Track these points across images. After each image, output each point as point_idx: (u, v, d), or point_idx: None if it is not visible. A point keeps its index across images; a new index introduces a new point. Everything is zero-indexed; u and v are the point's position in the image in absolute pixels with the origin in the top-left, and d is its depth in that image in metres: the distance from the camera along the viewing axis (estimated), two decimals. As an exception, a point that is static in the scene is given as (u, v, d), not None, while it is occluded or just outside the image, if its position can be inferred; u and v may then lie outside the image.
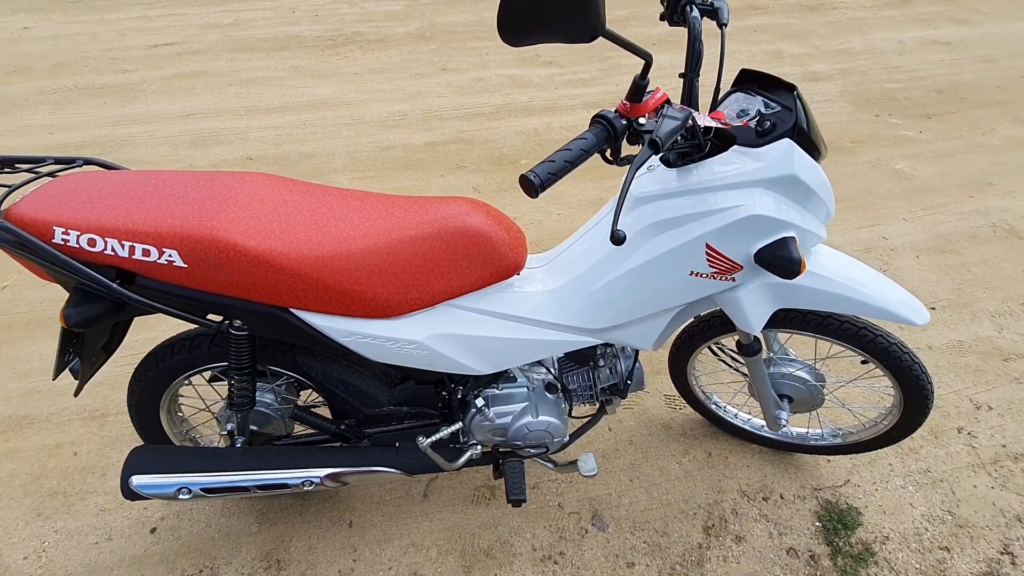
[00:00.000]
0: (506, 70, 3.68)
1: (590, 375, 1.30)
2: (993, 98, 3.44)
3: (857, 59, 3.87)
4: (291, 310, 1.01)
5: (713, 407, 1.60)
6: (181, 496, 1.14)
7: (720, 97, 1.04)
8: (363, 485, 1.50)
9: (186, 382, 1.27)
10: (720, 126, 0.92)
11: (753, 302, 1.09)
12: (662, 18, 1.09)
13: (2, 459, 1.61)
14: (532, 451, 1.30)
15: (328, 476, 1.20)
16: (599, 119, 0.77)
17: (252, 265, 0.94)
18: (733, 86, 1.06)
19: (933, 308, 2.05)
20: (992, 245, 2.34)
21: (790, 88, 0.96)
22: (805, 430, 1.56)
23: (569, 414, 1.37)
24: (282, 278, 0.95)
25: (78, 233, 0.91)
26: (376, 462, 1.23)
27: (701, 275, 1.03)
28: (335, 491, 1.53)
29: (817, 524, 1.46)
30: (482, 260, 1.04)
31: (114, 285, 0.93)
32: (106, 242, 0.92)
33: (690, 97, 1.03)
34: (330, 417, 1.28)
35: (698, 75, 1.04)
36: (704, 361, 1.82)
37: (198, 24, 4.33)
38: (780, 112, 0.95)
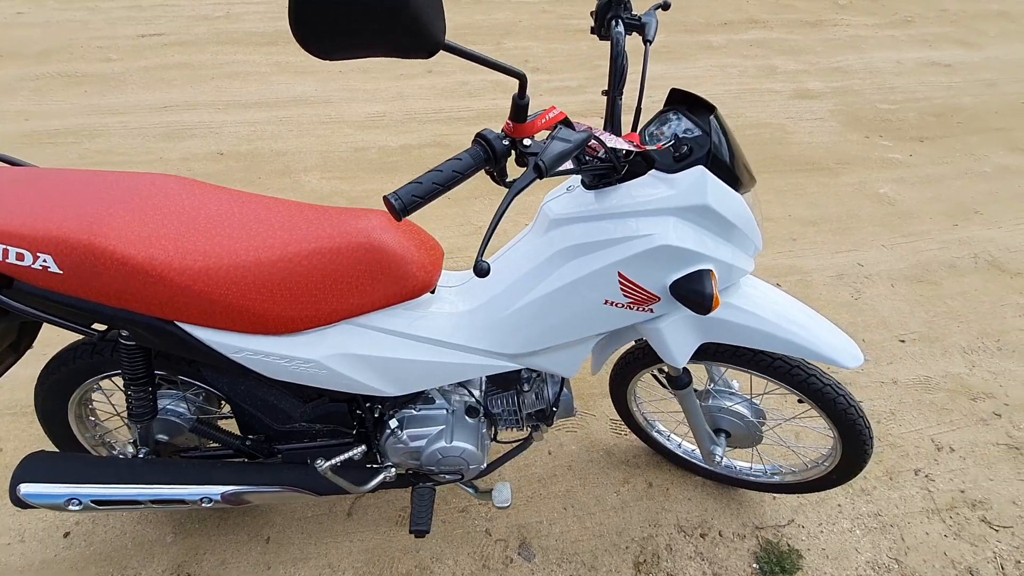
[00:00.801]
0: (492, 75, 3.62)
1: (515, 400, 1.24)
2: (990, 124, 3.35)
3: (853, 78, 3.79)
4: (176, 323, 0.95)
5: (656, 435, 1.53)
6: (71, 507, 1.08)
7: (652, 117, 0.98)
8: (270, 504, 1.44)
9: (95, 387, 1.22)
10: (631, 148, 0.86)
11: (676, 335, 1.03)
12: (592, 32, 1.03)
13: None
14: (448, 477, 1.24)
15: (228, 494, 1.14)
16: (479, 138, 0.71)
17: (130, 274, 0.88)
18: (665, 106, 1.00)
19: (903, 341, 1.97)
20: (972, 277, 2.26)
21: (711, 110, 0.90)
22: (748, 465, 1.49)
23: (494, 438, 1.31)
24: (163, 289, 0.90)
25: None
26: (283, 481, 1.18)
27: (616, 304, 0.97)
28: (254, 506, 1.47)
29: (754, 566, 1.39)
30: (386, 278, 0.98)
31: None
32: None
33: (612, 116, 0.97)
34: (238, 431, 1.22)
35: (621, 93, 0.98)
36: (648, 387, 1.75)
37: (189, 16, 4.30)
38: (699, 137, 0.88)
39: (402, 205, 0.65)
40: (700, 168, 0.86)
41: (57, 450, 1.14)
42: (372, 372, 1.04)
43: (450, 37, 4.07)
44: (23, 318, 1.01)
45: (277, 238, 0.96)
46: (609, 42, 1.02)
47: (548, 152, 0.71)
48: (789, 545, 1.43)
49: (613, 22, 0.97)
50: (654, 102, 3.25)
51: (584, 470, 1.58)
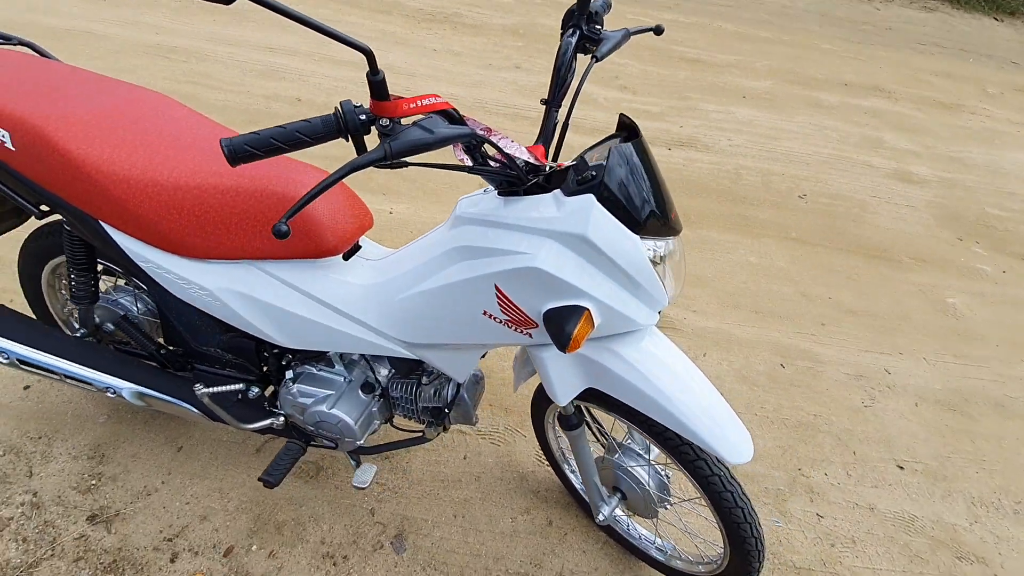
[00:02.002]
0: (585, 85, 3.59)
1: (413, 390, 1.22)
2: (1125, 262, 2.83)
3: (968, 173, 3.35)
4: (100, 222, 1.03)
5: (568, 473, 1.45)
6: (18, 362, 1.21)
7: (599, 141, 0.93)
8: (177, 416, 1.51)
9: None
10: (529, 160, 0.81)
11: (559, 369, 0.97)
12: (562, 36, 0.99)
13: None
14: (325, 442, 1.25)
15: (131, 392, 1.22)
16: (336, 108, 0.70)
17: (66, 165, 0.97)
18: (616, 131, 0.94)
19: (901, 467, 1.72)
20: (1019, 423, 1.93)
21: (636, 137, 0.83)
22: (649, 534, 1.37)
23: (390, 422, 1.30)
24: (88, 186, 0.98)
25: None
26: (181, 396, 1.24)
27: (495, 319, 0.92)
28: (168, 415, 1.57)
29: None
30: (294, 231, 1.01)
31: None
32: None
33: (546, 127, 0.93)
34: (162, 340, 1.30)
35: (558, 105, 0.94)
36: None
37: (325, -27, 4.64)
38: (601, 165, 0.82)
39: (231, 152, 0.65)
40: (589, 197, 0.79)
41: (11, 308, 1.28)
42: (265, 318, 1.07)
43: (550, 37, 4.07)
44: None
45: (206, 167, 1.01)
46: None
47: (401, 138, 0.68)
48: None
49: (571, 30, 0.93)
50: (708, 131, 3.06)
51: (491, 486, 1.53)
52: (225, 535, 1.37)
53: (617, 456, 1.20)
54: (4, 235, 1.68)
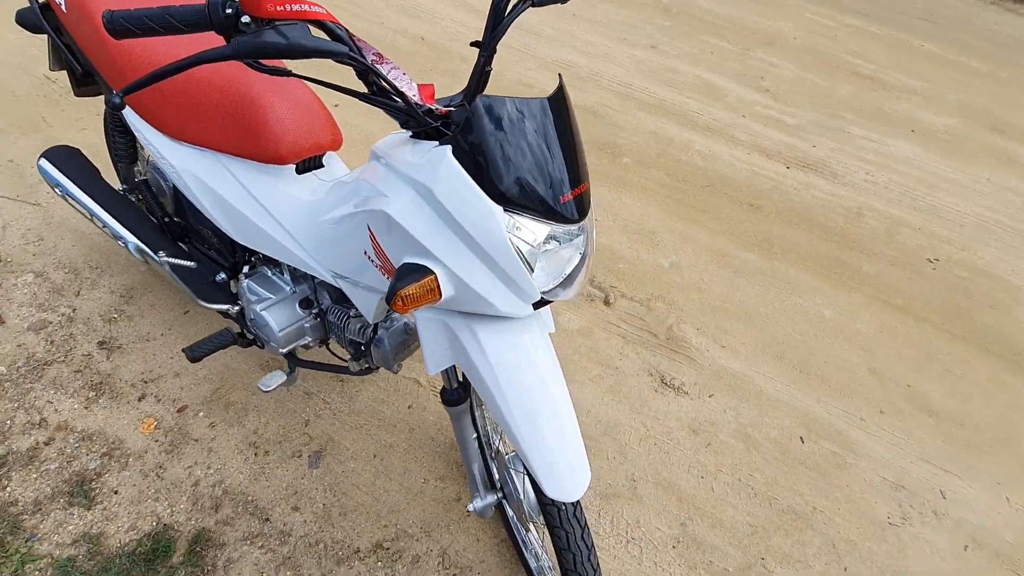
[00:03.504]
0: (711, 75, 3.23)
1: (344, 319, 1.24)
2: None
3: None
4: (111, 90, 1.17)
5: (490, 460, 1.38)
6: (56, 190, 1.45)
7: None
8: (169, 281, 1.66)
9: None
10: (412, 98, 0.74)
11: (431, 335, 0.90)
12: None
13: None
14: (250, 337, 1.32)
15: (134, 246, 1.40)
16: None
17: (94, 33, 1.10)
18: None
19: (901, 608, 1.38)
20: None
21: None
22: (539, 544, 1.26)
23: (325, 343, 1.34)
24: (106, 56, 1.11)
25: None
26: (168, 262, 1.39)
27: (373, 263, 0.89)
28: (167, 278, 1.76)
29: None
30: (246, 131, 1.05)
31: (33, 4, 1.20)
32: None
33: (479, 74, 0.85)
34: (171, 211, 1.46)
35: (492, 51, 0.84)
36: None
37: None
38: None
39: (110, 24, 0.68)
40: (445, 148, 0.70)
41: (79, 150, 1.52)
42: (217, 207, 1.14)
43: (700, 20, 3.67)
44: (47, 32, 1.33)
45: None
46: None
47: (249, 37, 0.66)
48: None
49: None
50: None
51: (420, 442, 1.52)
52: (186, 395, 1.55)
53: (509, 456, 1.11)
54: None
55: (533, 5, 0.83)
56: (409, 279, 0.76)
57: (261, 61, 0.69)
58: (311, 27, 0.69)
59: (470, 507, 1.13)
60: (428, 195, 0.74)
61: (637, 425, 1.62)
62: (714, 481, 1.53)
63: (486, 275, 0.76)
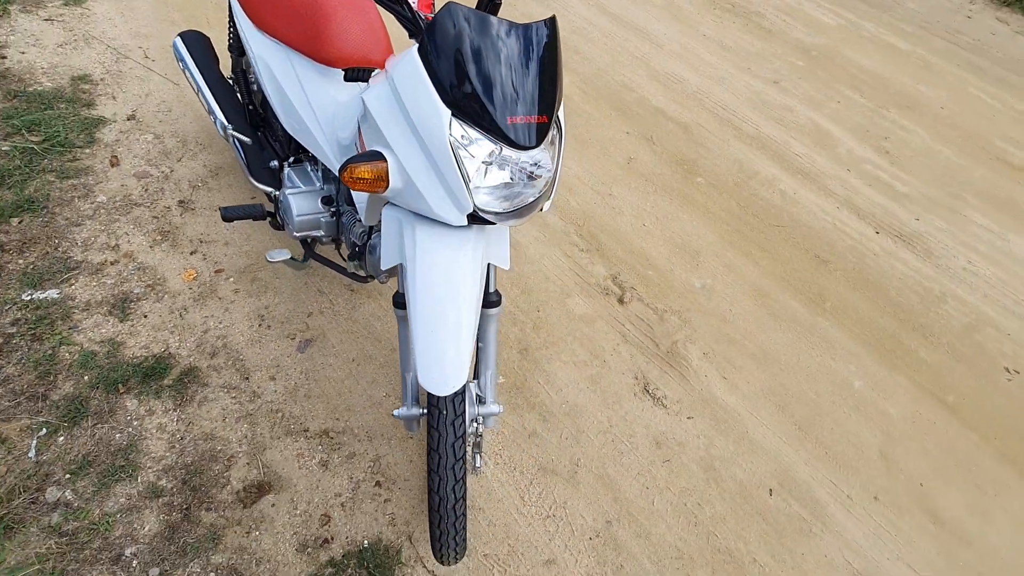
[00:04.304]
0: (827, 122, 3.02)
1: (351, 221, 1.38)
2: None
3: None
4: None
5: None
6: (179, 65, 1.75)
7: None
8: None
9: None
10: (412, 7, 0.84)
11: (390, 230, 0.99)
12: None
13: None
14: (280, 221, 1.50)
15: (220, 124, 1.64)
16: None
17: None
18: None
19: None
20: None
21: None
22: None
23: (336, 243, 1.50)
24: None
25: None
26: (239, 141, 1.62)
27: (358, 152, 1.00)
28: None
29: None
30: (309, 29, 1.21)
31: None
32: None
33: None
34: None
35: None
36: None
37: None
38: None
39: None
40: (413, 48, 0.79)
41: (208, 38, 1.81)
42: (277, 96, 1.32)
43: (836, 65, 3.41)
44: None
45: None
46: None
47: None
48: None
49: None
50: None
51: (394, 363, 1.63)
52: (226, 261, 1.78)
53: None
54: None
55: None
56: (363, 158, 0.85)
57: None
58: None
59: (396, 412, 1.21)
60: (395, 88, 0.83)
61: (602, 418, 1.61)
62: (658, 496, 1.49)
63: (428, 174, 0.84)
